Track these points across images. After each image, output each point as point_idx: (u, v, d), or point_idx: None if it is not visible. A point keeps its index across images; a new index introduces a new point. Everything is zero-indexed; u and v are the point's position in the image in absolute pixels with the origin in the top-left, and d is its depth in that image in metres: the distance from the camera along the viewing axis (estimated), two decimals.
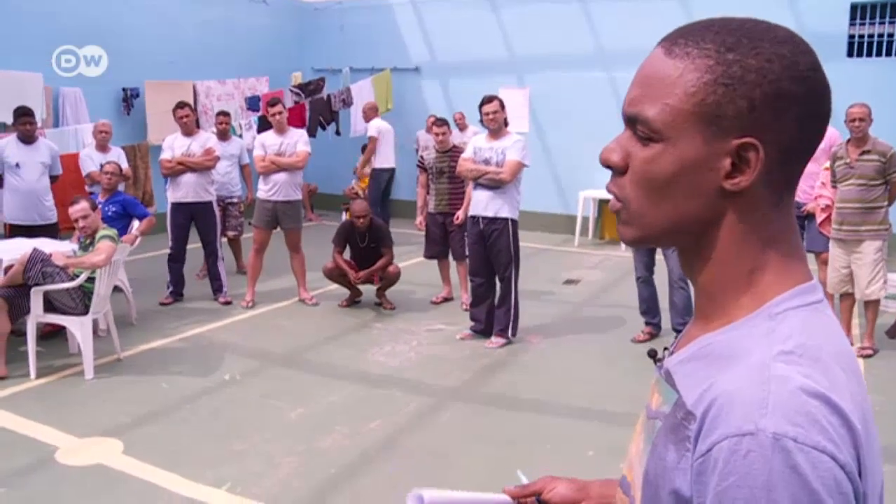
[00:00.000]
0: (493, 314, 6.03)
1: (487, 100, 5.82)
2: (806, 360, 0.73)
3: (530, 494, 1.14)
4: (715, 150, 0.78)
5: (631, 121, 0.83)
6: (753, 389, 0.71)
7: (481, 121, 5.91)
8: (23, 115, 6.50)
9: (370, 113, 10.20)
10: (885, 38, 9.15)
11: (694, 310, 0.88)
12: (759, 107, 0.76)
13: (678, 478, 0.75)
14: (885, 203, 5.53)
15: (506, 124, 5.89)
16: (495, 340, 5.95)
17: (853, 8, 9.21)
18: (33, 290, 5.05)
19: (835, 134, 6.26)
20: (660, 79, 0.80)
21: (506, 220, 5.79)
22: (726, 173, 0.78)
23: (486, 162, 5.78)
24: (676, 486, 0.75)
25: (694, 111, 0.78)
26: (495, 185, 5.74)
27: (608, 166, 0.85)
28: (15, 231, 6.51)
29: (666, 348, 0.94)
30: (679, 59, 0.79)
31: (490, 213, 5.79)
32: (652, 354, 0.95)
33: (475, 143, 5.95)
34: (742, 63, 0.76)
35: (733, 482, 0.68)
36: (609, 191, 0.87)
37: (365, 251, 6.95)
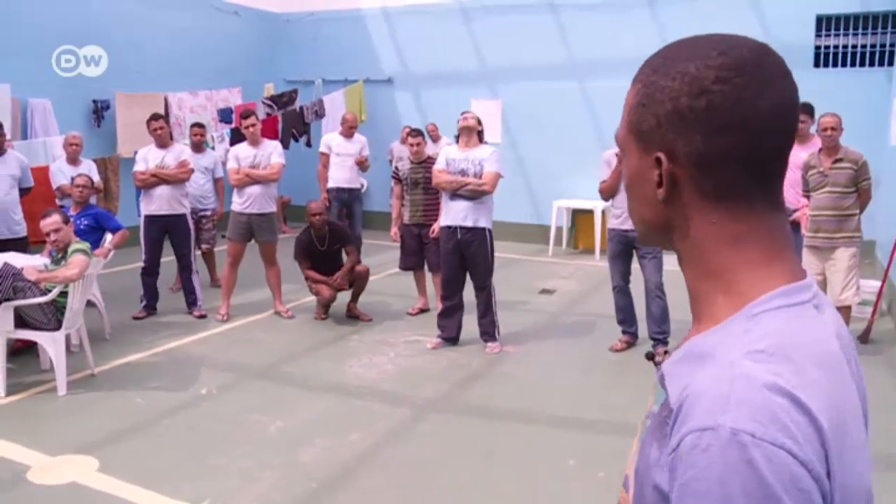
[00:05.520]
0: (461, 321, 6.13)
1: (466, 111, 6.02)
2: (777, 358, 0.74)
3: None
4: (646, 164, 0.88)
5: None
6: (718, 386, 0.73)
7: (457, 137, 5.97)
8: None
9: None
10: (850, 49, 9.37)
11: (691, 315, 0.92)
12: (664, 123, 0.84)
13: (658, 474, 0.78)
14: (858, 211, 5.64)
15: (480, 139, 5.96)
16: (492, 346, 6.01)
17: (819, 20, 9.40)
18: (4, 305, 4.95)
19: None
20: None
21: (484, 229, 5.84)
22: (657, 184, 0.86)
23: (463, 173, 5.80)
24: (657, 481, 0.78)
25: (630, 129, 0.90)
26: (475, 196, 5.78)
27: None
28: None
29: (667, 351, 0.97)
30: (631, 86, 0.91)
31: (469, 224, 5.82)
32: (649, 357, 0.98)
33: (447, 155, 5.96)
34: (656, 84, 0.85)
35: (693, 475, 0.71)
36: None
37: (328, 254, 6.91)
